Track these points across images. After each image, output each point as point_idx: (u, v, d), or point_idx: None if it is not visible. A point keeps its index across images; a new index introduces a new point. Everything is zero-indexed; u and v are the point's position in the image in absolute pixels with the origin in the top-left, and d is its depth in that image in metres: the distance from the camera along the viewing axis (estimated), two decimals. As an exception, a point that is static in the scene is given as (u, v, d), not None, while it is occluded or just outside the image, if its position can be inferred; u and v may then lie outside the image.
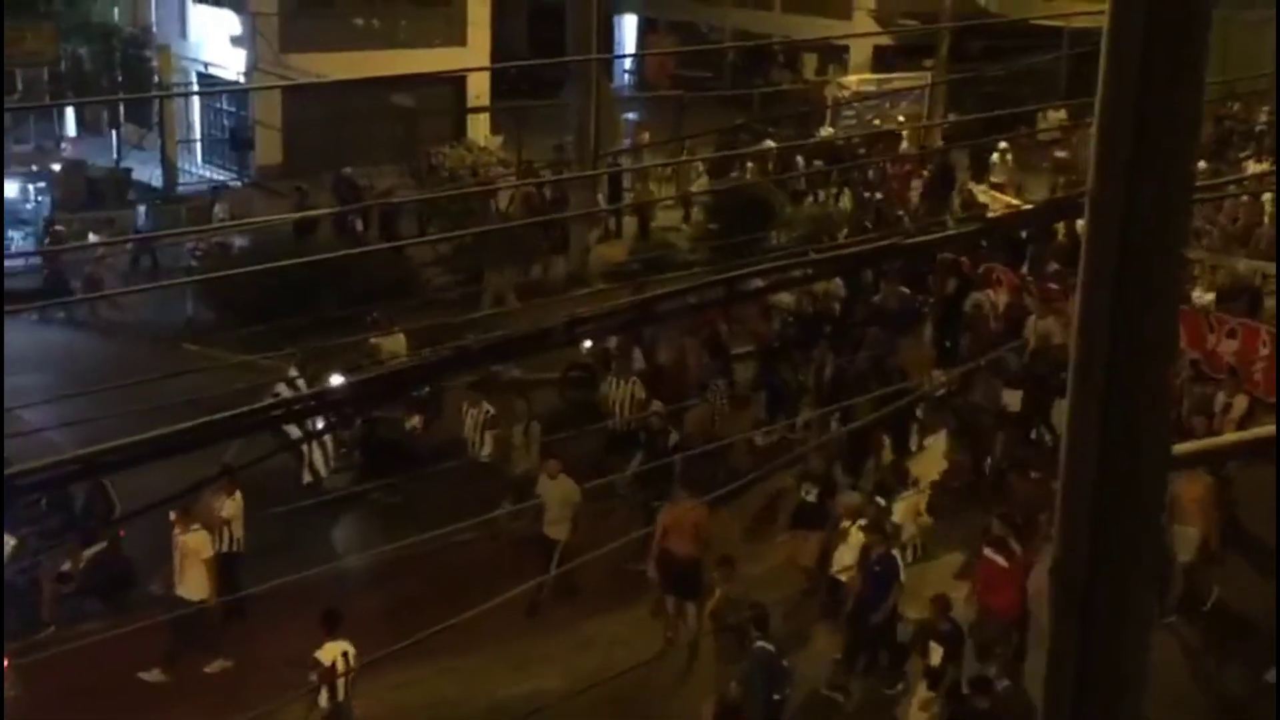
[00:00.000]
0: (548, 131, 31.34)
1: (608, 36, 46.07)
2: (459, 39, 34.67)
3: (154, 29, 35.53)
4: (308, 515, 16.32)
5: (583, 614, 15.30)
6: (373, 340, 18.77)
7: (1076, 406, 4.30)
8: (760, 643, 12.77)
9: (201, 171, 34.38)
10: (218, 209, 26.79)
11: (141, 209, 28.79)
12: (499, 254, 24.38)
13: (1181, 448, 4.56)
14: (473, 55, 34.44)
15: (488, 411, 17.76)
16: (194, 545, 13.99)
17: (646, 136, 33.77)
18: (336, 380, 16.16)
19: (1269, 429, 14.36)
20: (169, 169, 32.77)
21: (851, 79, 39.23)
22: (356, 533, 17.29)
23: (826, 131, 35.61)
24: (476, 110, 35.26)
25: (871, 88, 37.86)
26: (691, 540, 14.63)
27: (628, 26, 50.63)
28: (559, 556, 15.07)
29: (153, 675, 13.87)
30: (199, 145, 35.62)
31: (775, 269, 5.65)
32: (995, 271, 22.41)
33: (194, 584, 13.98)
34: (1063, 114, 32.62)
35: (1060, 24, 29.30)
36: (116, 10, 35.42)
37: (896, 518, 15.35)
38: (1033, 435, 18.68)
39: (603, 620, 15.27)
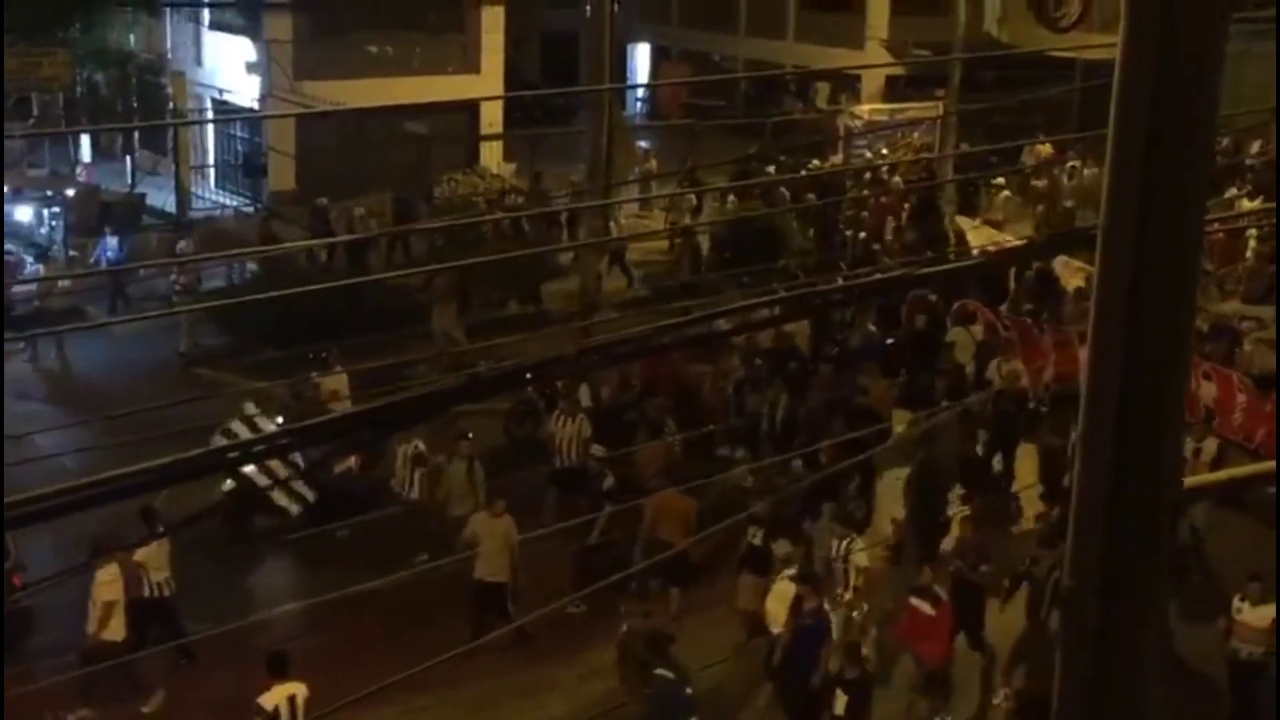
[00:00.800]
0: (561, 159, 31.39)
1: (620, 65, 46.24)
2: (473, 66, 34.80)
3: (169, 56, 35.69)
4: (246, 556, 16.40)
5: (533, 660, 14.74)
6: (314, 378, 18.34)
7: (1089, 439, 4.29)
8: (660, 670, 12.47)
9: (214, 197, 34.49)
10: (182, 244, 25.96)
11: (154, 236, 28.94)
12: (500, 282, 24.42)
13: (1190, 481, 4.55)
14: (486, 83, 34.53)
15: (417, 446, 16.89)
16: (104, 589, 13.64)
17: (654, 165, 33.81)
18: (278, 421, 16.20)
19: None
20: (182, 195, 32.89)
21: (863, 108, 39.26)
22: (292, 575, 17.02)
23: (838, 161, 35.63)
24: (490, 138, 35.36)
25: (884, 117, 37.89)
26: (681, 529, 14.86)
27: (640, 55, 50.78)
28: (510, 599, 14.74)
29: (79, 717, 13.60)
30: (212, 171, 35.74)
31: (743, 308, 5.64)
32: (971, 308, 22.12)
33: (111, 627, 13.69)
34: (1047, 147, 32.60)
35: (1073, 55, 29.28)
36: (132, 37, 35.56)
37: (857, 562, 14.73)
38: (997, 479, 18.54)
39: (553, 666, 14.77)
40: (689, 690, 12.55)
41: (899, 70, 40.58)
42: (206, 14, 34.71)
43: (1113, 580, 4.30)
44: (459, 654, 9.71)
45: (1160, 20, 3.89)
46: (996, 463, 18.73)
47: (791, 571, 14.03)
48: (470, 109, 34.50)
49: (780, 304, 5.74)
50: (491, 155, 34.97)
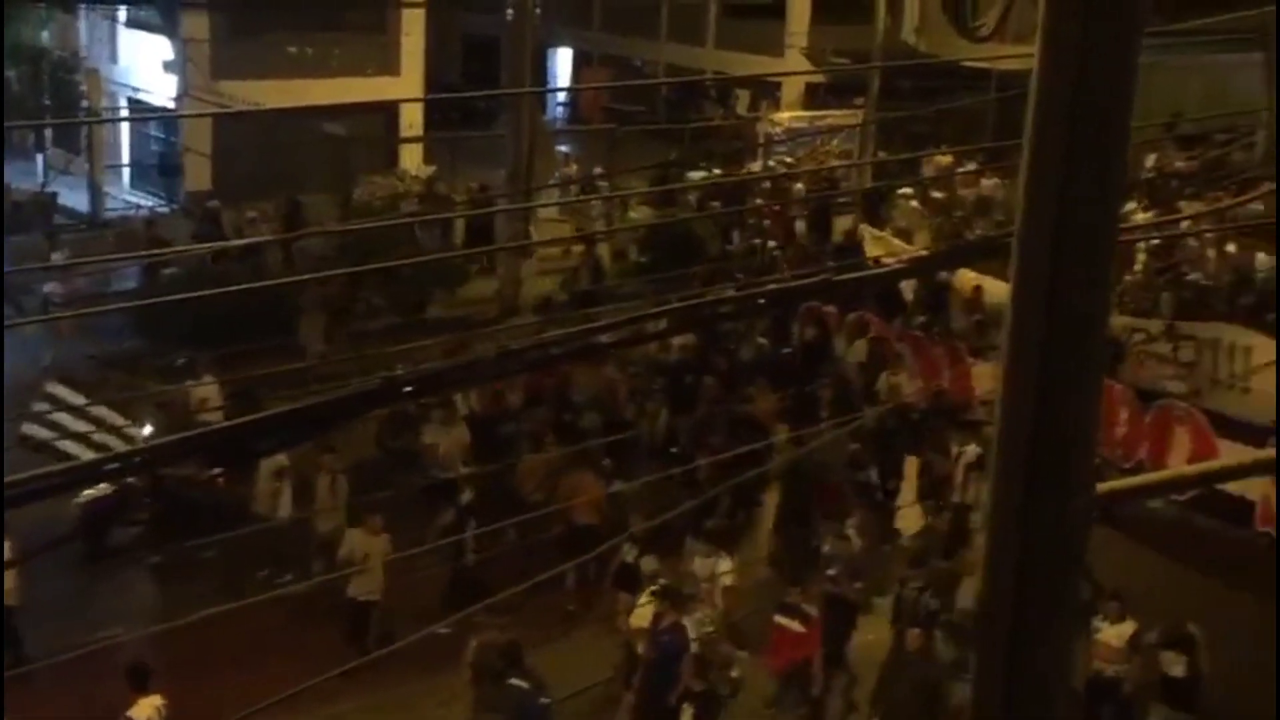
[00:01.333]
0: (481, 163, 31.28)
1: (541, 69, 46.21)
2: (393, 68, 34.59)
3: (84, 53, 35.16)
4: (99, 574, 15.88)
5: (405, 678, 14.19)
6: (188, 385, 17.82)
7: (1003, 447, 4.32)
8: (513, 680, 12.28)
9: (129, 197, 34.01)
10: (56, 255, 25.24)
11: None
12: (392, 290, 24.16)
13: (1104, 487, 4.59)
14: (406, 85, 34.37)
15: (280, 461, 16.02)
16: None
17: (574, 169, 33.77)
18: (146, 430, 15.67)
19: (1208, 464, 14.45)
20: (96, 195, 32.39)
21: (783, 115, 39.51)
22: (144, 593, 16.41)
23: (755, 168, 35.78)
24: (409, 140, 35.18)
25: (803, 124, 38.15)
26: (593, 510, 15.34)
27: (562, 60, 50.77)
28: (377, 617, 14.51)
29: None
30: (127, 171, 35.23)
31: (631, 321, 5.59)
32: (864, 320, 21.78)
33: None
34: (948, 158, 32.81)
35: (989, 66, 29.64)
36: (46, 34, 35.00)
37: (722, 580, 14.60)
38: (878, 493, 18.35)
39: (428, 683, 14.26)
40: (545, 700, 12.33)
41: (819, 78, 40.86)
42: (123, 11, 34.24)
43: (1026, 589, 4.34)
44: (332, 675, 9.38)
45: (1077, 32, 3.93)
46: (879, 477, 18.43)
47: (654, 588, 13.89)
48: (390, 111, 34.32)
49: (668, 315, 5.65)
50: (411, 158, 34.79)
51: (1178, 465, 16.79)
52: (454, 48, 46.33)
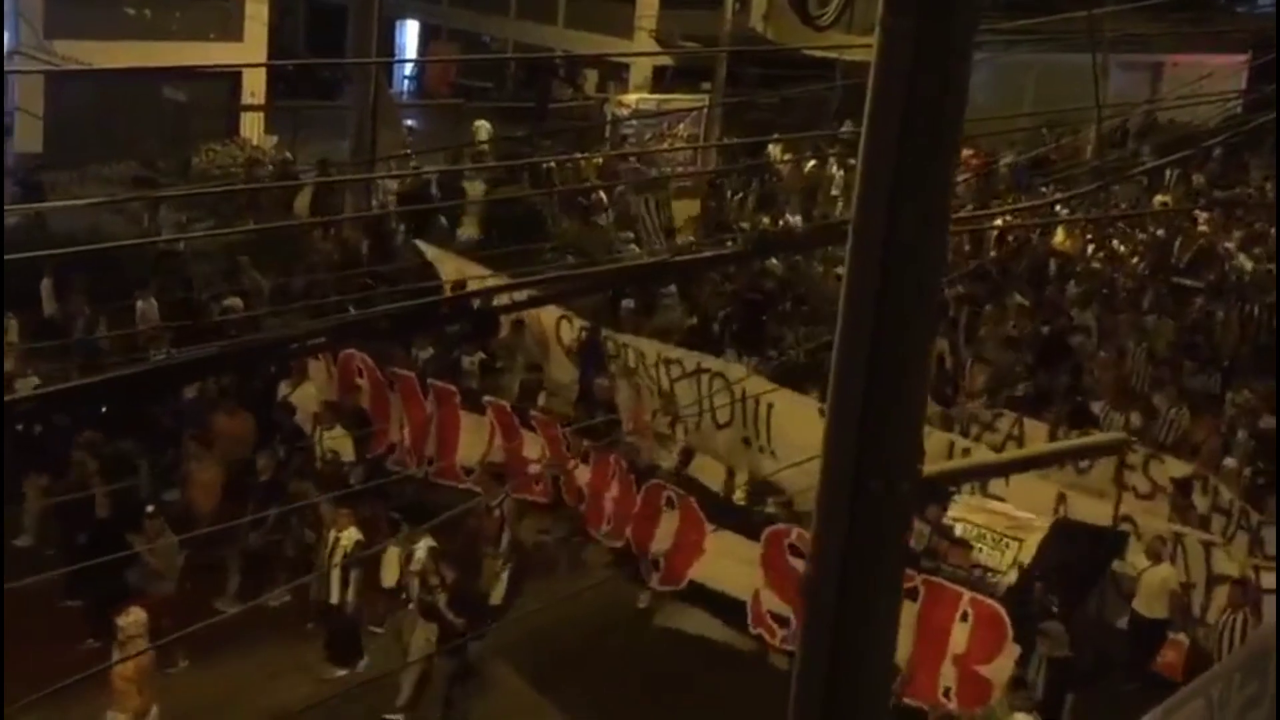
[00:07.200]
0: (325, 134, 30.82)
1: (389, 41, 45.65)
2: (235, 34, 33.83)
3: (-93, 5, 33.87)
4: None
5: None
6: None
7: (835, 427, 4.44)
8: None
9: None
10: None
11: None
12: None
13: (931, 470, 4.73)
14: (249, 51, 33.64)
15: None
16: None
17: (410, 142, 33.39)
18: None
19: (1043, 447, 14.66)
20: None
21: (630, 97, 39.62)
22: None
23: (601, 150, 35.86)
24: (251, 109, 34.50)
25: (650, 106, 38.31)
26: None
27: (409, 33, 50.21)
28: None
29: None
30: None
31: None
32: (355, 362, 17.07)
33: None
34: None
35: (834, 56, 30.09)
36: None
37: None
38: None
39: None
40: None
41: (667, 61, 41.07)
42: (-51, -36, 33.04)
43: (852, 568, 4.47)
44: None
45: (911, 27, 4.04)
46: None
47: None
48: (232, 78, 33.63)
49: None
50: (253, 127, 34.13)
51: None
52: (299, 16, 45.53)
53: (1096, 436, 15.18)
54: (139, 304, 19.38)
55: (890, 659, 4.72)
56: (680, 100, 38.32)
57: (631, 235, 28.08)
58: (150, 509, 13.98)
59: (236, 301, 19.73)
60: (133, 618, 11.92)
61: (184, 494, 15.39)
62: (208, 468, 15.38)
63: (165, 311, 19.25)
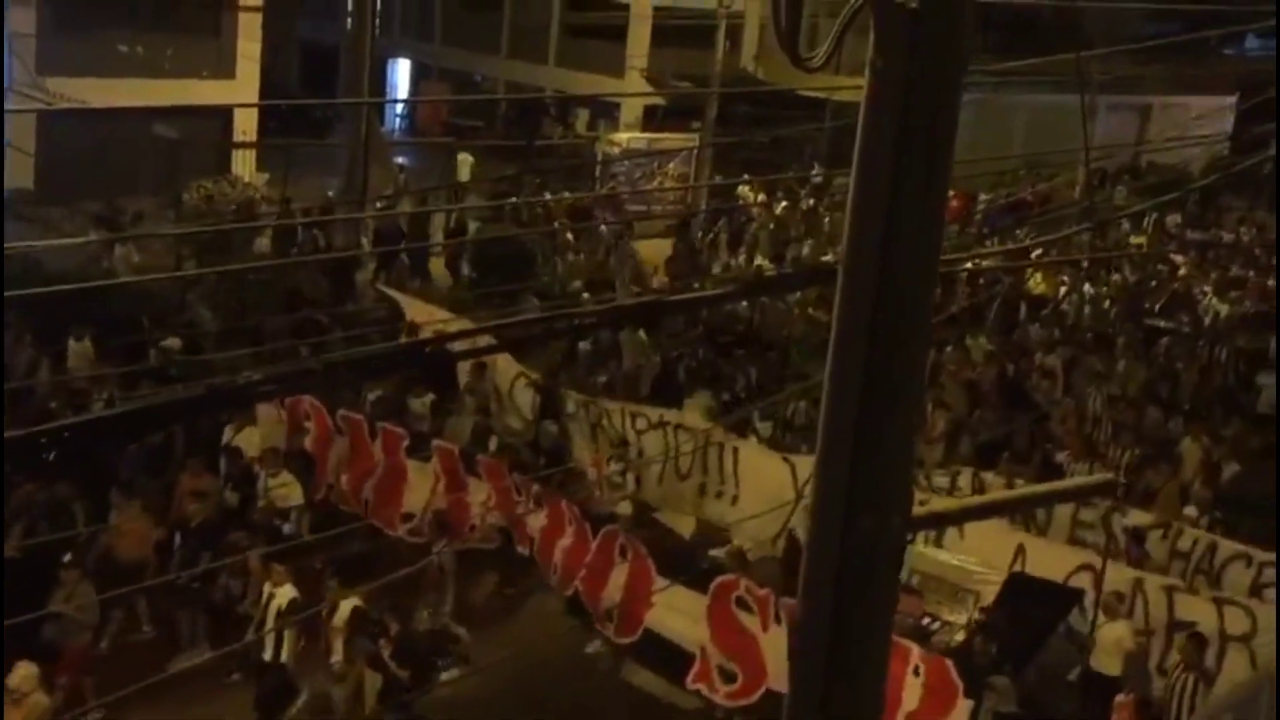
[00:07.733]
0: (316, 172, 30.91)
1: (380, 80, 45.85)
2: (228, 72, 33.98)
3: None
4: None
5: None
6: None
7: (826, 462, 4.45)
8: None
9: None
10: None
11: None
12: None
13: (920, 510, 4.74)
14: (241, 89, 33.78)
15: None
16: None
17: (403, 181, 33.53)
18: None
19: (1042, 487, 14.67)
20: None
21: (622, 136, 39.79)
22: None
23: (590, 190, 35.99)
24: (243, 146, 34.59)
25: (641, 145, 38.47)
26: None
27: (401, 71, 50.42)
28: None
29: None
30: (-57, 166, 34.06)
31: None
32: (304, 405, 16.40)
33: None
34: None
35: (824, 95, 30.26)
36: None
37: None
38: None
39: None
40: None
41: (658, 100, 41.26)
42: (-57, 2, 33.15)
43: (842, 605, 4.47)
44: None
45: (902, 68, 4.08)
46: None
47: None
48: (224, 116, 33.71)
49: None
50: (245, 164, 34.21)
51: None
52: (291, 54, 45.72)
53: (1087, 478, 15.12)
54: (70, 343, 19.01)
55: (882, 697, 4.71)
56: (671, 140, 38.50)
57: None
58: (67, 557, 13.55)
59: (175, 341, 19.52)
60: (21, 673, 11.50)
61: (108, 543, 14.76)
62: (135, 517, 14.94)
63: (101, 352, 18.89)
